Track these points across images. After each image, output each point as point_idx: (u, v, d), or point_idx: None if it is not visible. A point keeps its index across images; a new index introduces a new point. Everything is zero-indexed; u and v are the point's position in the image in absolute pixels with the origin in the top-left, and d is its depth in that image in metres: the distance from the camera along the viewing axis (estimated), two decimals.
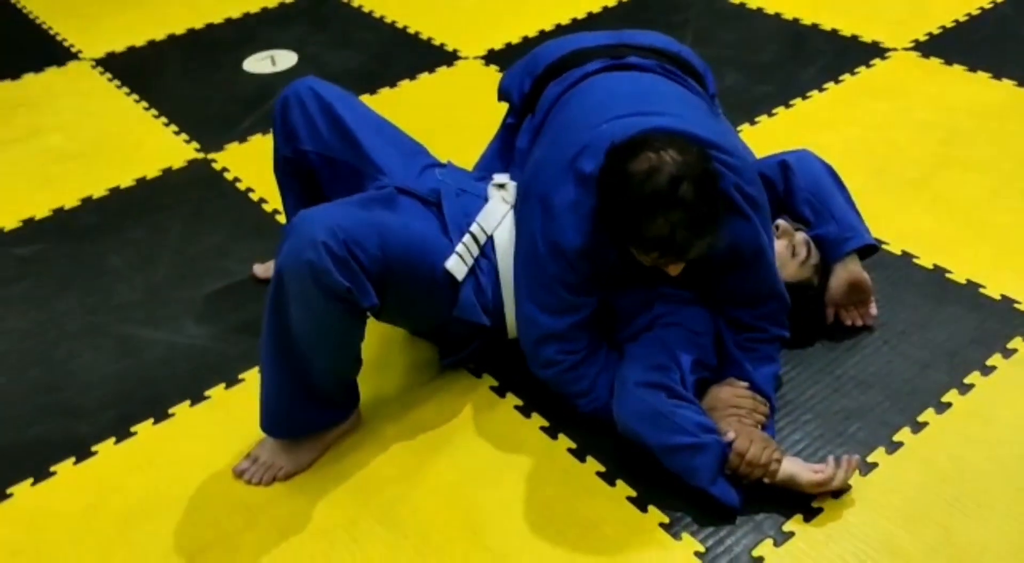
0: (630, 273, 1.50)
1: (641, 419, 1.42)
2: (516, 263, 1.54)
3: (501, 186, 1.63)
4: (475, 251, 1.55)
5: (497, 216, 1.58)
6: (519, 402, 1.63)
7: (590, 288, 1.48)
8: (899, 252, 1.88)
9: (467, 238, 1.54)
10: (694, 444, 1.38)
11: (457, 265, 1.52)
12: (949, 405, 1.56)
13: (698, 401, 1.47)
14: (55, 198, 2.28)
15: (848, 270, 1.65)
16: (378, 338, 1.70)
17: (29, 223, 2.21)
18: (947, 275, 1.83)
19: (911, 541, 1.34)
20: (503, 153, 1.78)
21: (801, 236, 1.65)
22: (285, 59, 2.88)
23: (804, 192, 1.69)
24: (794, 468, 1.39)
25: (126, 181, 2.34)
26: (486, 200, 1.61)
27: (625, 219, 1.33)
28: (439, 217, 1.57)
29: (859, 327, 1.70)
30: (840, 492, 1.41)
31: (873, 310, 1.70)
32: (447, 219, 1.55)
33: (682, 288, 1.55)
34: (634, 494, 1.45)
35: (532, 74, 1.72)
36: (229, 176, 2.34)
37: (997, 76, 2.45)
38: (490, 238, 1.57)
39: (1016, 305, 1.74)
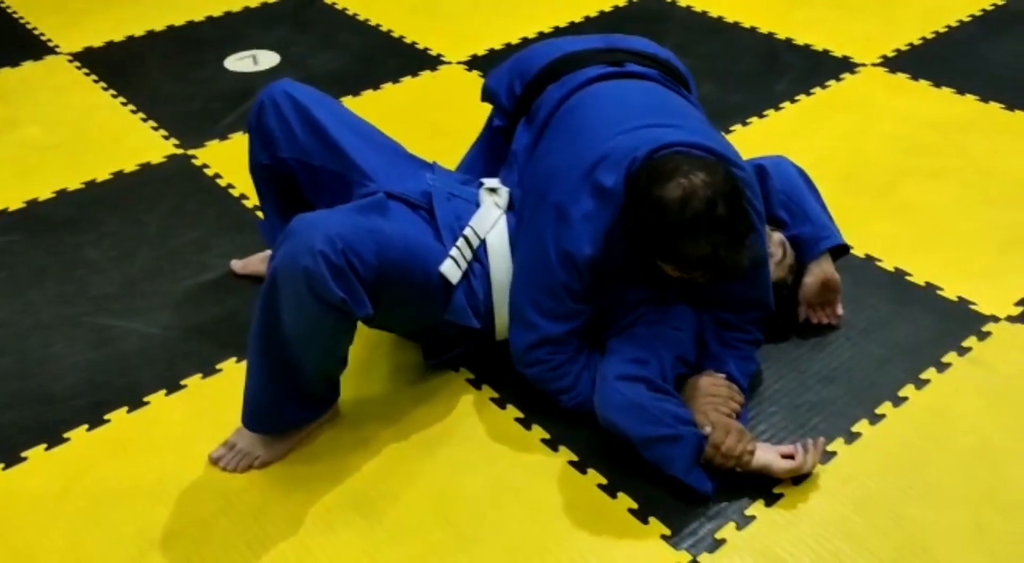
0: (632, 280, 1.54)
1: (621, 411, 1.46)
2: (517, 266, 1.56)
3: (493, 190, 1.65)
4: (468, 255, 1.56)
5: (490, 220, 1.60)
6: (495, 394, 1.66)
7: (592, 296, 1.52)
8: (863, 255, 1.94)
9: (461, 242, 1.55)
10: (671, 435, 1.42)
11: (451, 269, 1.53)
12: (906, 399, 1.61)
13: (678, 394, 1.51)
14: (30, 190, 2.28)
15: (822, 269, 1.70)
16: (363, 336, 1.71)
17: (3, 214, 2.21)
18: (908, 278, 1.89)
19: (864, 526, 1.39)
20: (487, 155, 1.80)
21: (777, 237, 1.70)
22: (267, 59, 2.90)
23: (780, 194, 1.74)
24: (767, 457, 1.43)
25: (102, 175, 2.35)
26: (477, 205, 1.62)
27: (665, 242, 1.39)
28: (430, 221, 1.57)
29: (826, 325, 1.75)
30: (802, 478, 1.46)
31: (839, 310, 1.76)
32: (439, 223, 1.56)
33: (679, 292, 1.58)
34: (605, 482, 1.49)
35: (524, 76, 1.73)
36: (209, 172, 2.35)
37: (960, 92, 2.54)
38: (483, 242, 1.59)
39: (972, 306, 1.81)
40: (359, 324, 1.49)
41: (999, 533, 1.38)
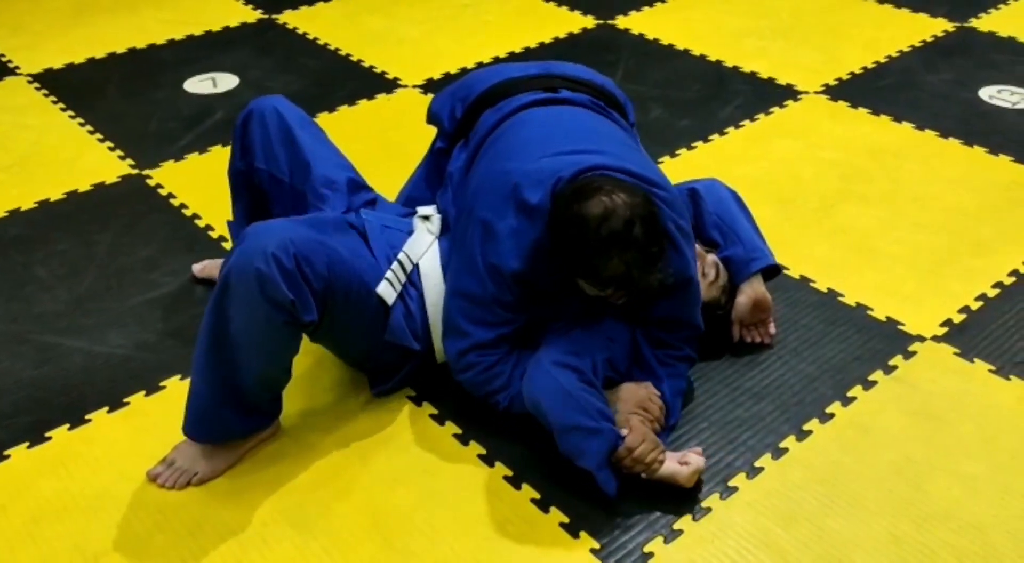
0: (565, 295, 1.58)
1: (549, 395, 1.49)
2: (449, 278, 1.61)
3: (426, 218, 1.71)
4: (403, 277, 1.62)
5: (423, 246, 1.66)
6: (434, 410, 1.69)
7: (524, 306, 1.57)
8: (798, 276, 2.00)
9: (395, 265, 1.61)
10: (591, 428, 1.46)
11: (387, 289, 1.58)
12: (832, 416, 1.66)
13: (604, 392, 1.55)
14: None
15: (753, 289, 1.76)
16: (308, 351, 1.74)
17: None
18: (839, 298, 1.95)
19: (787, 538, 1.44)
20: (431, 177, 1.86)
21: (711, 258, 1.76)
22: (226, 81, 2.94)
23: (712, 216, 1.81)
24: (673, 467, 1.48)
25: (56, 194, 2.36)
26: (410, 233, 1.68)
27: (582, 258, 1.43)
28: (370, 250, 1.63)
29: (759, 344, 1.81)
30: (728, 493, 1.50)
31: (772, 329, 1.81)
32: (374, 251, 1.62)
33: (609, 309, 1.62)
34: (538, 496, 1.52)
35: (464, 101, 1.79)
36: (164, 192, 2.37)
37: (897, 120, 2.63)
38: (416, 266, 1.64)
39: (900, 327, 1.87)
40: (307, 342, 1.52)
41: (915, 544, 1.42)
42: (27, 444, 1.64)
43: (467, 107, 1.78)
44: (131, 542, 1.45)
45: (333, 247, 1.52)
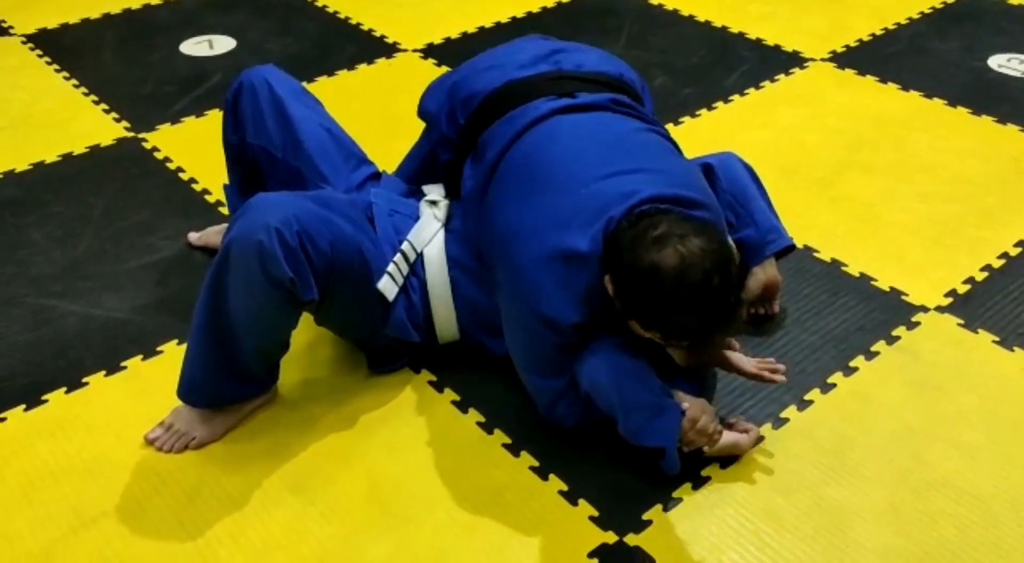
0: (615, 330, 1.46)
1: (617, 371, 1.42)
2: (507, 333, 1.52)
3: (433, 203, 1.66)
4: (405, 269, 1.57)
5: (428, 234, 1.61)
6: (432, 378, 1.68)
7: (585, 342, 1.46)
8: (801, 246, 1.98)
9: (398, 257, 1.56)
10: (658, 405, 1.40)
11: (388, 285, 1.54)
12: (834, 386, 1.65)
13: None
14: None
15: (766, 273, 1.71)
16: (309, 327, 1.72)
17: None
18: (843, 268, 1.93)
19: (787, 507, 1.43)
20: (425, 172, 1.76)
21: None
22: (223, 44, 2.89)
23: (727, 195, 1.71)
24: (732, 436, 1.47)
25: (51, 156, 2.33)
26: (417, 219, 1.63)
27: (654, 313, 1.33)
28: (374, 234, 1.58)
29: (762, 316, 1.79)
30: (728, 461, 1.50)
31: (776, 307, 1.78)
32: (380, 238, 1.57)
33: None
34: (537, 464, 1.51)
35: (466, 105, 1.64)
36: (159, 156, 2.34)
37: (905, 88, 2.59)
38: (420, 255, 1.60)
39: (903, 297, 1.85)
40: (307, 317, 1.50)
41: (914, 513, 1.42)
42: (23, 407, 1.63)
43: (470, 114, 1.63)
44: (129, 505, 1.45)
45: (338, 226, 1.47)
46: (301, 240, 1.39)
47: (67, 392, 1.66)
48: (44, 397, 1.65)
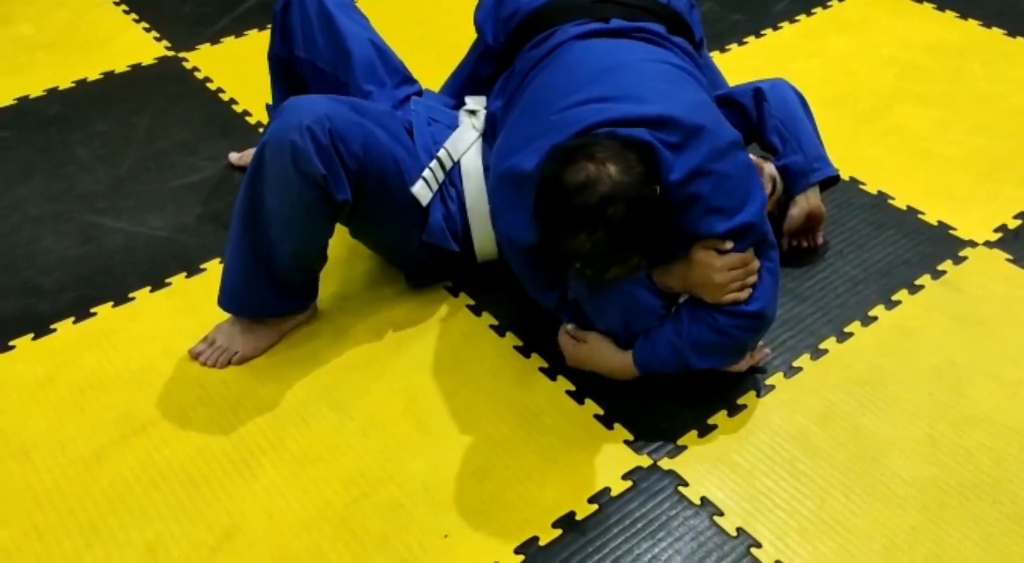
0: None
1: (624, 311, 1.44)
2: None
3: (472, 112, 1.64)
4: (441, 176, 1.56)
5: (465, 142, 1.60)
6: (471, 301, 1.69)
7: (557, 267, 1.45)
8: (847, 178, 1.94)
9: (433, 163, 1.56)
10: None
11: (423, 190, 1.54)
12: (875, 319, 1.63)
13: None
14: (21, 87, 2.28)
15: (809, 202, 1.69)
16: (347, 240, 1.73)
17: None
18: (890, 201, 1.89)
19: (822, 436, 1.43)
20: (473, 84, 1.75)
21: (768, 171, 1.68)
22: None
23: (775, 120, 1.69)
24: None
25: (93, 74, 2.34)
26: (455, 129, 1.62)
27: (551, 225, 1.29)
28: (412, 147, 1.57)
29: (805, 248, 1.76)
30: (765, 391, 1.50)
31: (820, 239, 1.76)
32: (417, 146, 1.57)
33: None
34: (573, 388, 1.52)
35: (507, 24, 1.62)
36: (199, 75, 2.34)
37: (963, 16, 2.49)
38: (457, 164, 1.59)
39: (951, 231, 1.81)
40: (345, 234, 1.49)
41: (951, 446, 1.42)
42: (72, 319, 1.67)
43: (509, 33, 1.62)
44: (175, 414, 1.49)
45: (370, 130, 1.48)
46: (332, 139, 1.41)
47: (114, 306, 1.70)
48: (92, 310, 1.69)
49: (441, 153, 1.58)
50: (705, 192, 1.33)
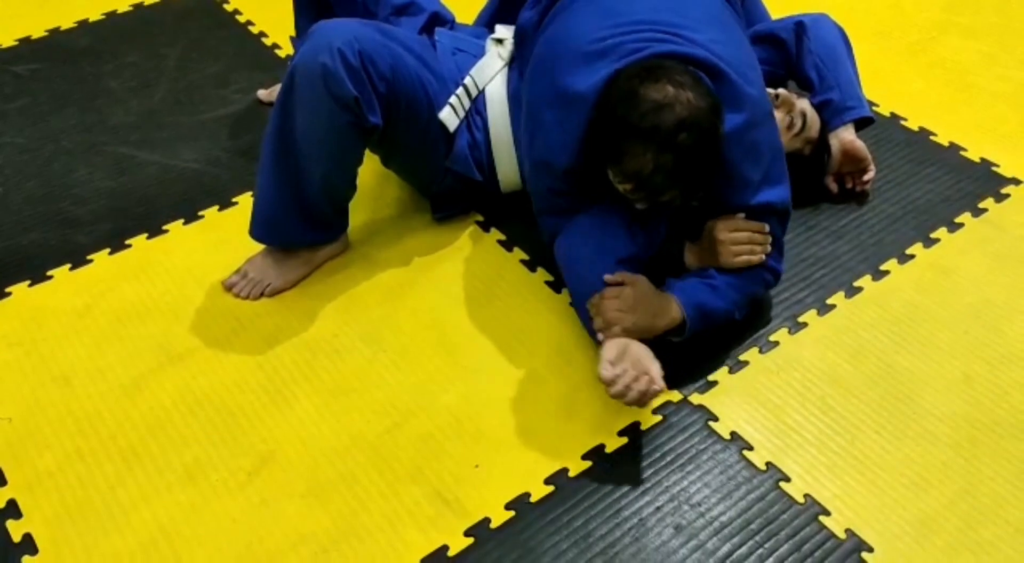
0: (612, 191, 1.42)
1: (573, 252, 1.46)
2: (524, 165, 1.52)
3: (500, 41, 1.62)
4: (467, 104, 1.56)
5: (491, 71, 1.58)
6: (502, 237, 1.69)
7: (581, 194, 1.44)
8: (888, 113, 1.89)
9: (460, 90, 1.55)
10: (581, 292, 1.43)
11: (449, 116, 1.54)
12: (912, 257, 1.61)
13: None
14: (52, 19, 2.28)
15: (841, 139, 1.65)
16: (376, 172, 1.74)
17: (26, 42, 2.21)
18: (931, 137, 1.85)
19: (854, 373, 1.43)
20: (505, 13, 1.71)
21: (800, 106, 1.64)
22: None
23: (814, 56, 1.66)
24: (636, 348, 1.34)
25: (123, 6, 2.32)
26: (481, 58, 1.60)
27: (615, 139, 1.27)
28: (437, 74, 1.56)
29: (856, 192, 1.71)
30: (798, 328, 1.49)
31: (867, 182, 1.69)
32: (442, 72, 1.56)
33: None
34: None
35: None
36: (228, 7, 2.31)
37: None
38: (482, 93, 1.57)
39: (994, 168, 1.77)
40: (375, 164, 1.49)
41: (986, 384, 1.41)
42: (108, 250, 1.69)
43: None
44: (211, 344, 1.51)
45: (400, 55, 1.47)
46: (362, 60, 1.40)
47: (148, 238, 1.71)
48: (127, 242, 1.70)
49: (467, 81, 1.57)
50: (735, 158, 1.33)
